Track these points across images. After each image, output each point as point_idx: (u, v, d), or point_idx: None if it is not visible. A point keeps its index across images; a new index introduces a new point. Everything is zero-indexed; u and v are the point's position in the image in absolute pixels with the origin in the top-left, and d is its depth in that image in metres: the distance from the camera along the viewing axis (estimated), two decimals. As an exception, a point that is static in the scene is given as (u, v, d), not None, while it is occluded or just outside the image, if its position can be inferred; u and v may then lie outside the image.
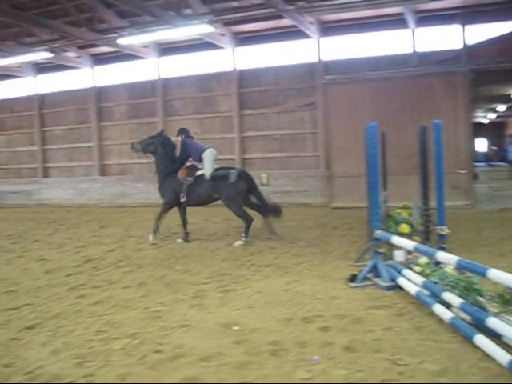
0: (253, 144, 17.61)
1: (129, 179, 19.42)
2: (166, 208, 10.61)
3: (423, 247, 5.50)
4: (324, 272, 7.08)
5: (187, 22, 13.91)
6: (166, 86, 18.90)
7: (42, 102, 21.56)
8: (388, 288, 5.95)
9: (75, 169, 20.96)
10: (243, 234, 9.86)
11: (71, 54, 19.50)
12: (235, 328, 4.91)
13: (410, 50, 15.29)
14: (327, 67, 16.17)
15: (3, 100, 22.73)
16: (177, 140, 10.84)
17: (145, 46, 18.14)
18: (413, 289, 5.46)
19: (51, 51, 17.06)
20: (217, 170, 10.12)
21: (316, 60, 16.42)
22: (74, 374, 4.07)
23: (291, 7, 13.90)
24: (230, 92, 17.76)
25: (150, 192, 18.50)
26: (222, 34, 16.78)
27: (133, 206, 18.56)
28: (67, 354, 4.47)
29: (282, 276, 6.96)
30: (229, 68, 17.76)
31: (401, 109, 14.53)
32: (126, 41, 15.25)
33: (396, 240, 5.97)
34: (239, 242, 9.68)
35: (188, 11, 14.78)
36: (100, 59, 20.02)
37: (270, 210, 10.26)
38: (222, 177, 9.93)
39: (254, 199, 10.32)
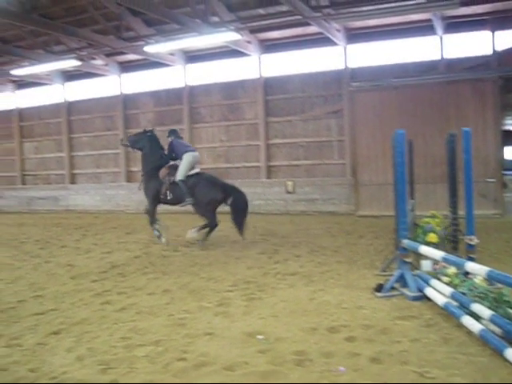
0: (278, 151, 17.57)
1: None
2: (152, 208, 10.90)
3: (452, 257, 5.40)
4: (350, 281, 7.00)
5: (213, 29, 13.96)
6: (192, 94, 18.99)
7: (69, 109, 21.82)
8: (415, 298, 5.85)
9: (102, 175, 21.15)
10: (197, 227, 10.33)
11: (99, 62, 19.71)
12: (260, 337, 4.86)
13: (437, 57, 15.13)
14: (354, 74, 16.09)
15: (32, 107, 23.07)
16: (168, 140, 11.06)
17: (171, 54, 18.25)
18: (441, 299, 5.36)
19: (79, 59, 17.26)
20: (197, 174, 10.52)
21: (342, 67, 16.34)
22: (99, 380, 4.06)
23: (318, 14, 13.85)
24: (255, 99, 17.77)
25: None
26: (248, 42, 16.82)
27: (158, 212, 18.56)
28: (92, 360, 4.47)
29: (308, 285, 6.88)
30: (255, 75, 17.77)
31: (428, 116, 14.38)
32: (153, 48, 15.34)
33: (424, 250, 5.87)
34: (192, 232, 10.22)
35: (214, 19, 14.82)
36: (127, 67, 20.20)
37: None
38: (198, 184, 10.33)
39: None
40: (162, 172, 10.72)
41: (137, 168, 20.13)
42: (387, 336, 4.76)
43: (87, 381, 4.06)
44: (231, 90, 18.33)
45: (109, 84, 20.87)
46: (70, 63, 17.25)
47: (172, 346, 4.74)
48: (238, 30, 14.28)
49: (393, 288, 6.21)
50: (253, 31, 16.29)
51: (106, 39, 16.08)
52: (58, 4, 15.85)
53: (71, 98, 21.92)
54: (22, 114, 23.38)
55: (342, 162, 16.52)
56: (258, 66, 17.61)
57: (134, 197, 19.54)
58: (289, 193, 16.77)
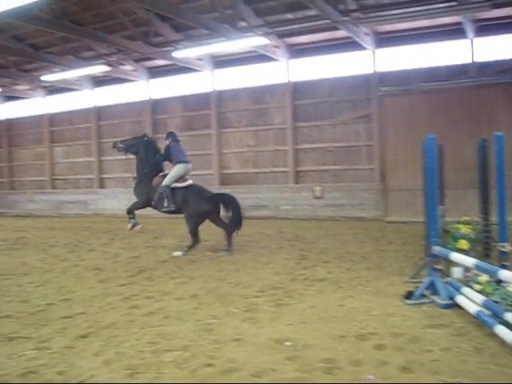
0: (307, 156, 17.51)
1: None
2: (137, 206, 11.10)
3: (484, 265, 5.28)
4: (379, 288, 6.90)
5: (241, 34, 13.99)
6: (220, 99, 19.04)
7: (99, 114, 22.07)
8: (446, 306, 5.74)
9: (130, 180, 21.20)
10: (185, 248, 10.39)
11: (127, 68, 19.90)
12: (288, 344, 4.81)
13: (468, 60, 14.95)
14: (382, 79, 15.96)
15: (62, 112, 23.39)
16: (165, 143, 11.21)
17: (199, 59, 18.33)
18: (472, 308, 5.24)
19: (108, 65, 17.45)
20: (189, 186, 10.68)
21: (371, 71, 16.24)
22: (124, 384, 4.06)
23: (346, 18, 13.79)
24: (283, 104, 17.74)
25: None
26: (276, 47, 16.81)
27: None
28: (119, 364, 4.47)
29: (336, 291, 6.81)
30: (283, 80, 17.75)
31: (459, 121, 14.17)
32: (181, 54, 15.43)
33: (455, 256, 5.76)
34: (178, 253, 10.17)
35: (242, 24, 14.86)
36: (155, 72, 20.35)
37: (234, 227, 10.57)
38: (192, 194, 10.51)
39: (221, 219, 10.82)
40: (156, 180, 10.93)
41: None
42: (417, 345, 4.66)
43: (115, 386, 4.06)
44: (259, 94, 18.33)
45: (137, 89, 21.07)
46: (100, 69, 17.45)
47: (199, 351, 4.71)
48: (265, 34, 14.30)
49: (423, 295, 6.10)
50: (281, 36, 16.28)
51: (135, 45, 16.23)
52: (88, 10, 16.05)
53: (100, 103, 22.18)
54: (52, 119, 23.71)
55: (371, 167, 16.40)
56: (286, 70, 17.59)
57: (162, 201, 19.65)
58: (317, 198, 16.68)
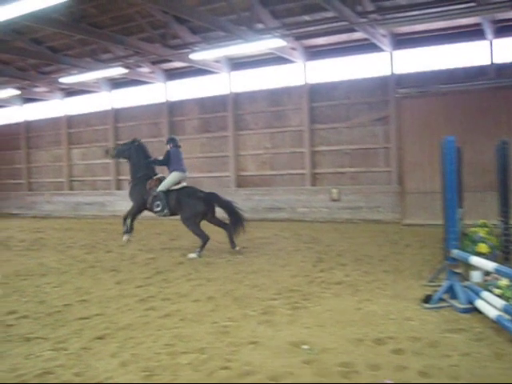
0: (324, 159, 17.46)
1: (199, 192, 19.60)
2: (134, 211, 11.28)
3: (505, 269, 5.21)
4: (396, 291, 6.84)
5: (259, 36, 13.99)
6: (237, 101, 19.05)
7: (116, 116, 22.19)
8: (465, 310, 5.68)
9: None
10: (198, 249, 10.36)
11: (145, 70, 19.98)
12: (305, 347, 4.78)
13: (487, 62, 14.78)
14: (400, 80, 15.86)
15: (80, 115, 23.56)
16: (166, 147, 11.48)
17: (216, 61, 18.36)
18: (492, 312, 5.17)
19: (126, 67, 17.53)
20: (182, 188, 10.91)
21: (388, 73, 16.14)
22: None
23: (364, 20, 13.72)
24: (300, 106, 17.71)
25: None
26: (294, 48, 16.78)
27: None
28: (135, 366, 4.47)
29: (353, 294, 6.76)
30: (300, 82, 17.72)
31: (477, 123, 14.01)
32: (199, 56, 15.45)
33: (475, 260, 5.69)
34: (193, 255, 10.20)
35: (259, 26, 14.85)
36: (173, 74, 20.42)
37: (234, 224, 10.77)
38: (184, 196, 10.69)
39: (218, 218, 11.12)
40: (150, 183, 11.14)
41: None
42: (436, 349, 4.62)
43: (131, 387, 4.06)
44: (276, 96, 18.32)
45: (155, 91, 21.14)
46: (117, 71, 17.53)
47: (216, 354, 4.70)
48: (283, 36, 14.27)
49: (441, 299, 6.04)
50: (298, 38, 16.25)
51: (152, 47, 16.28)
52: (106, 13, 16.13)
53: (118, 106, 22.30)
54: (70, 121, 23.89)
55: (388, 170, 16.30)
56: (303, 72, 17.56)
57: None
58: (334, 200, 16.62)
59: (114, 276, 8.64)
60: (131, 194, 11.46)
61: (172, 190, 10.87)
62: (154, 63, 19.35)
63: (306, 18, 15.20)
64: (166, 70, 20.35)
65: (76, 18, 14.15)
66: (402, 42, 15.91)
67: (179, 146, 11.50)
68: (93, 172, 23.21)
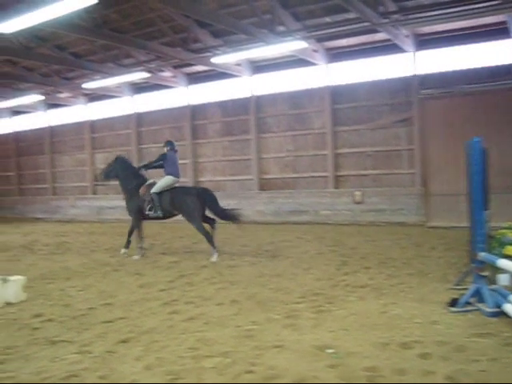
0: (346, 161, 17.36)
1: (222, 196, 19.51)
2: (136, 223, 11.37)
3: (533, 271, 5.12)
4: (422, 295, 6.76)
5: (280, 38, 13.95)
6: (259, 104, 19.04)
7: (139, 120, 22.32)
8: (493, 314, 5.58)
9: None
10: (212, 249, 10.51)
11: (167, 74, 20.08)
12: (329, 351, 4.74)
13: (512, 61, 14.56)
14: (423, 81, 15.69)
15: (103, 119, 23.76)
16: (163, 150, 11.55)
17: (238, 64, 18.38)
18: (521, 316, 5.08)
19: (148, 71, 17.63)
20: (174, 188, 11.11)
21: (411, 74, 15.99)
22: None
23: (386, 20, 13.62)
24: (322, 108, 17.64)
25: (242, 209, 18.63)
26: (315, 50, 16.73)
27: (225, 222, 18.68)
28: (160, 369, 4.47)
29: (378, 298, 6.69)
30: (322, 84, 17.64)
31: (503, 124, 13.80)
32: (220, 59, 15.48)
33: (503, 263, 5.59)
34: (215, 257, 10.32)
35: (281, 28, 14.82)
36: (194, 78, 20.48)
37: (230, 218, 11.04)
38: (179, 195, 10.89)
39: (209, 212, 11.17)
40: (142, 190, 11.27)
41: (205, 178, 20.38)
42: (463, 354, 4.54)
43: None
44: (298, 99, 18.27)
45: (177, 95, 21.23)
46: (139, 75, 17.64)
47: (240, 357, 4.68)
48: (304, 38, 14.22)
49: (468, 303, 5.94)
50: (319, 40, 16.19)
51: (174, 51, 16.36)
52: (128, 18, 16.25)
53: (140, 110, 22.43)
54: (93, 126, 24.10)
55: (412, 172, 16.14)
56: (325, 74, 17.48)
57: (201, 206, 19.75)
58: (357, 203, 16.51)
59: (137, 279, 8.68)
60: (128, 207, 11.64)
61: (165, 190, 11.05)
62: (175, 67, 19.43)
63: (328, 19, 15.14)
64: (188, 74, 20.42)
65: (98, 23, 14.28)
66: (424, 42, 15.75)
67: (176, 151, 11.67)
68: (116, 176, 23.35)
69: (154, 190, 11.01)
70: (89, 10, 13.17)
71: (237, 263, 9.91)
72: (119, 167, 11.73)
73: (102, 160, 23.64)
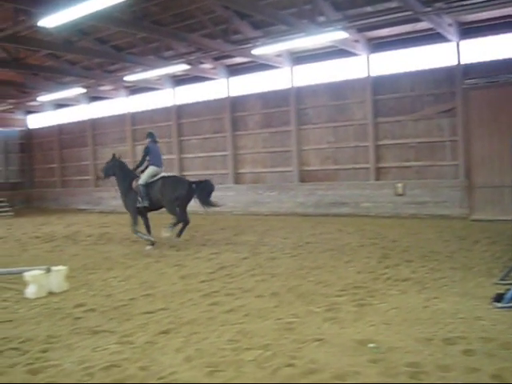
0: (388, 152, 17.11)
1: (262, 188, 19.64)
2: (134, 217, 11.96)
3: None
4: (466, 289, 6.61)
5: (320, 29, 13.80)
6: (300, 95, 18.91)
7: (179, 112, 22.44)
8: (540, 310, 5.43)
9: (210, 177, 21.43)
10: (169, 225, 11.46)
11: (207, 66, 20.10)
12: (371, 345, 4.68)
13: None
14: (467, 71, 15.31)
15: (144, 111, 23.96)
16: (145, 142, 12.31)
17: (278, 56, 18.27)
18: None
19: (188, 63, 17.67)
20: (162, 177, 11.81)
21: (455, 64, 15.61)
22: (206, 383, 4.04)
23: (429, 9, 13.34)
24: (364, 99, 17.41)
25: (282, 201, 18.65)
26: (356, 41, 16.49)
27: (266, 214, 18.73)
28: (200, 361, 4.48)
29: (420, 292, 6.58)
30: (363, 75, 17.41)
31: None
32: (260, 51, 15.41)
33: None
34: (166, 231, 11.39)
35: (321, 18, 14.67)
36: (235, 70, 20.45)
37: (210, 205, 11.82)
38: (165, 185, 11.60)
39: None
40: (135, 184, 11.93)
41: (245, 170, 20.39)
42: (509, 351, 4.42)
43: (195, 383, 4.05)
44: (339, 90, 18.07)
45: (217, 87, 21.24)
46: (180, 68, 17.70)
47: (280, 350, 4.66)
48: (345, 28, 14.04)
49: (514, 298, 5.79)
50: (360, 30, 15.94)
51: (214, 43, 16.36)
52: (168, 10, 16.32)
53: (181, 102, 22.54)
54: (134, 118, 24.34)
55: (455, 164, 15.80)
56: (366, 65, 17.23)
57: (241, 198, 19.80)
58: (398, 195, 16.28)
59: (178, 271, 8.75)
60: (125, 202, 12.23)
61: (154, 180, 11.73)
62: (216, 59, 19.43)
63: (369, 9, 14.91)
64: (228, 66, 20.41)
65: (138, 16, 14.38)
66: (468, 30, 15.32)
67: (157, 142, 12.32)
68: (157, 168, 23.56)
69: (140, 182, 11.70)
70: (129, 3, 13.26)
71: (277, 255, 9.90)
72: (117, 167, 12.32)
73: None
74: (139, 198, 11.68)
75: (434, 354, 4.42)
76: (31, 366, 4.51)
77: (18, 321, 5.96)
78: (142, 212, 12.01)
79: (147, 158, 11.97)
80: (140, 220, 12.04)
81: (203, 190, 11.68)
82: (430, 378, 3.94)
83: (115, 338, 5.17)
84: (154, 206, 11.93)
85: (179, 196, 11.49)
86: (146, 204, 11.65)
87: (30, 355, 4.79)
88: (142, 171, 12.00)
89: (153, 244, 11.56)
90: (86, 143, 26.49)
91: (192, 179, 12.40)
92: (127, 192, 12.05)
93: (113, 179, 12.49)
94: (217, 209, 12.34)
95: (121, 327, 5.55)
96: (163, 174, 11.94)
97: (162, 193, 11.54)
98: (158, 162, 11.98)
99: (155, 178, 11.73)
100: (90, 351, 4.83)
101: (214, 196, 11.94)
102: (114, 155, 12.57)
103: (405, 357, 4.37)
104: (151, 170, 11.81)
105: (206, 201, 11.70)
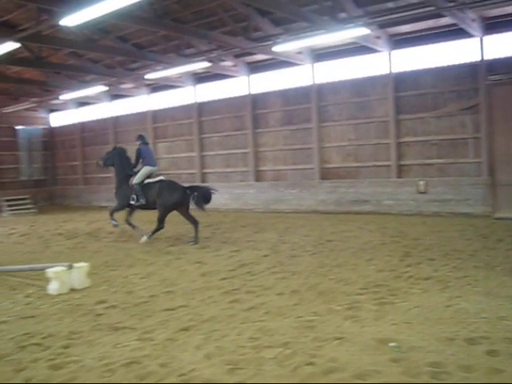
0: (410, 150, 16.95)
1: (283, 185, 19.60)
2: (118, 208, 12.73)
3: None
4: (489, 288, 6.53)
5: (342, 25, 13.70)
6: (320, 92, 18.83)
7: (200, 110, 22.48)
8: None
9: (231, 174, 21.56)
10: (150, 233, 12.15)
11: (228, 63, 20.10)
12: (392, 344, 4.64)
13: None
14: (491, 67, 15.11)
15: (165, 109, 24.03)
16: (136, 144, 12.92)
17: (299, 53, 18.21)
18: None
19: (209, 61, 17.67)
20: (160, 181, 12.19)
21: (478, 59, 15.40)
22: (226, 380, 4.06)
23: (451, 4, 13.17)
24: (385, 96, 17.28)
25: (303, 198, 18.58)
26: (377, 37, 16.36)
27: (287, 211, 18.69)
28: (220, 359, 4.49)
29: (442, 291, 6.51)
30: (384, 71, 17.27)
31: None
32: (281, 48, 15.34)
33: None
34: (144, 238, 12.04)
35: (342, 15, 14.58)
36: (255, 67, 20.42)
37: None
38: (162, 190, 11.94)
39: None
40: (131, 181, 12.34)
41: (266, 167, 20.37)
42: (535, 352, 4.35)
43: (215, 380, 4.05)
44: (360, 87, 17.95)
45: (238, 84, 21.23)
46: (201, 65, 17.71)
47: (300, 349, 4.64)
48: (366, 25, 13.89)
49: (539, 298, 5.70)
50: (382, 26, 15.79)
51: (235, 40, 16.34)
52: (188, 8, 16.32)
53: (202, 99, 22.57)
54: (155, 116, 24.43)
55: (478, 161, 15.61)
56: (388, 61, 17.09)
57: (262, 196, 19.78)
58: (420, 193, 16.13)
59: (198, 268, 8.77)
60: (116, 194, 12.77)
61: (153, 182, 12.15)
62: (236, 56, 19.42)
63: (390, 4, 14.77)
64: (249, 63, 20.39)
65: (159, 14, 14.39)
66: (492, 25, 15.10)
67: (147, 143, 13.07)
68: (178, 165, 23.64)
69: (134, 181, 12.15)
70: (150, 1, 13.31)
71: (298, 253, 9.87)
72: (117, 156, 12.87)
73: (164, 149, 24.04)
74: (133, 196, 12.10)
75: (456, 353, 4.38)
76: (53, 362, 4.56)
77: (40, 317, 6.03)
78: (133, 206, 12.48)
79: (140, 159, 12.49)
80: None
81: (200, 198, 11.95)
82: (452, 379, 3.89)
83: (136, 335, 5.20)
84: (149, 206, 12.30)
85: (176, 201, 11.90)
86: (142, 202, 12.08)
87: (51, 351, 4.85)
88: (136, 172, 12.41)
89: (117, 226, 12.78)
90: (107, 141, 26.62)
91: (186, 184, 13.02)
92: (121, 184, 12.59)
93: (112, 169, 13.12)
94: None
95: (141, 324, 5.58)
96: (161, 178, 12.40)
97: (159, 196, 11.92)
98: (151, 162, 12.55)
99: (154, 180, 12.19)
100: (110, 347, 4.86)
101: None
102: (115, 146, 13.12)
103: (426, 356, 4.33)
104: (145, 169, 12.30)
105: (201, 206, 12.02)
